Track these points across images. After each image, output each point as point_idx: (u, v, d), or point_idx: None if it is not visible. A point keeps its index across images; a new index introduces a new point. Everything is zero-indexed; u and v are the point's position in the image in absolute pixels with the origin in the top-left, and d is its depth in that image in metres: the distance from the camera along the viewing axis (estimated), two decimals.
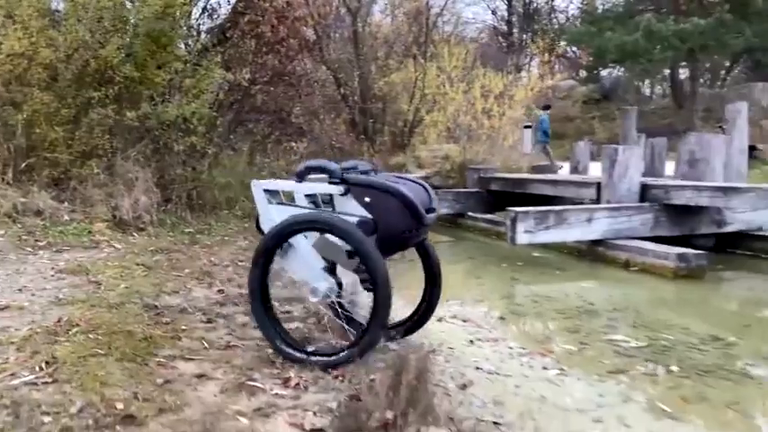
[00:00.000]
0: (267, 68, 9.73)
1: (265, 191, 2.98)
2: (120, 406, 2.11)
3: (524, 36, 33.10)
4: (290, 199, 2.97)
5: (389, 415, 2.22)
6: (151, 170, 6.55)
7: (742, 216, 6.88)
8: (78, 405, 2.08)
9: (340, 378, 2.67)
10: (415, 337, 3.24)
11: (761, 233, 6.98)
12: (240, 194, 7.81)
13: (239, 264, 5.10)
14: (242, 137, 9.82)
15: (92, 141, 6.19)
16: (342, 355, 2.70)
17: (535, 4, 34.00)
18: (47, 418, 1.97)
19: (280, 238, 2.79)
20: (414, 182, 2.93)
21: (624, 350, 3.51)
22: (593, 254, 6.43)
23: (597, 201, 7.05)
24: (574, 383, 2.93)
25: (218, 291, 4.07)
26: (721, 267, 6.36)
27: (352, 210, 2.73)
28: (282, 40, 9.62)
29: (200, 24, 9.43)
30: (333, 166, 2.87)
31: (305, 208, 2.87)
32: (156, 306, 3.46)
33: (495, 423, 2.41)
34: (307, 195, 2.89)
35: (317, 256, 2.83)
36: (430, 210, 2.82)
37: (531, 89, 17.26)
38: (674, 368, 3.22)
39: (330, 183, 2.81)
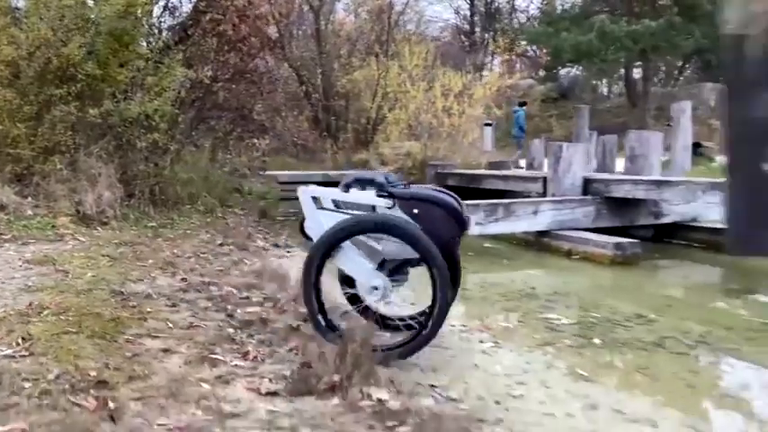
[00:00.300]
0: (229, 66, 9.90)
1: (313, 198, 3.17)
2: (93, 373, 2.36)
3: (486, 35, 33.70)
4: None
5: (336, 378, 2.52)
6: (114, 166, 6.69)
7: (677, 208, 7.39)
8: (55, 373, 2.31)
9: (294, 352, 2.95)
10: None
11: (695, 224, 7.51)
12: (202, 190, 7.99)
13: (201, 255, 5.31)
14: (204, 133, 9.97)
15: (54, 138, 6.31)
16: (399, 350, 2.91)
17: (497, 4, 34.63)
18: (27, 384, 2.21)
19: (338, 240, 2.95)
20: (446, 193, 3.18)
21: (555, 326, 3.88)
22: (539, 244, 6.84)
23: (544, 194, 7.47)
24: (505, 354, 3.26)
25: (182, 279, 4.29)
26: (658, 256, 6.85)
27: (401, 221, 2.94)
28: (244, 38, 9.80)
29: (161, 22, 9.55)
30: (380, 179, 3.11)
31: (352, 214, 3.05)
32: (122, 292, 3.67)
33: (431, 386, 2.72)
34: (332, 201, 3.10)
35: (365, 256, 3.03)
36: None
37: (490, 88, 17.73)
38: (597, 341, 3.60)
39: (378, 195, 3.04)
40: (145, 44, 8.31)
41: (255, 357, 2.86)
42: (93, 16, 6.86)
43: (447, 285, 2.86)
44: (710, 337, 3.70)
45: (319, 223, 3.10)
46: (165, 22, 9.66)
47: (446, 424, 2.19)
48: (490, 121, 18.53)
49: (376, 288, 3.00)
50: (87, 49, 6.55)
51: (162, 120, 7.09)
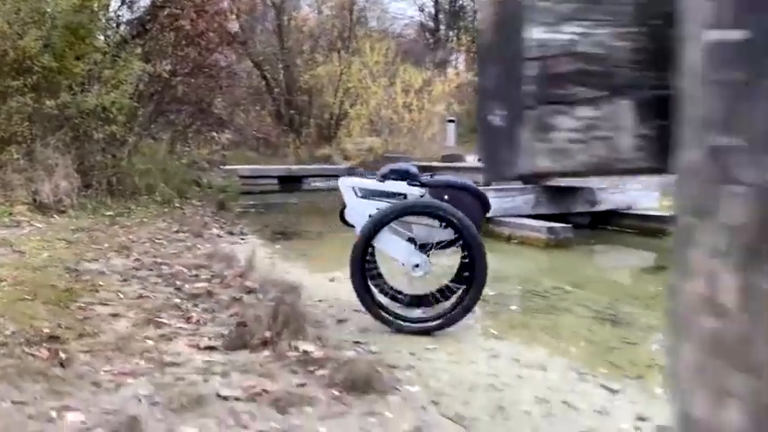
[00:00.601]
0: (188, 61, 10.07)
1: (352, 188, 3.54)
2: (46, 331, 2.63)
3: (450, 33, 34.18)
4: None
5: (268, 334, 2.84)
6: (71, 157, 6.86)
7: (613, 197, 7.89)
8: (11, 330, 2.58)
9: (234, 317, 3.26)
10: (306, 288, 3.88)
11: (629, 211, 8.02)
12: (160, 181, 8.18)
13: (156, 241, 5.55)
14: (163, 127, 10.12)
15: (11, 128, 6.46)
16: (437, 321, 3.27)
17: (461, 2, 35.14)
18: None
19: (386, 222, 3.28)
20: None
21: (481, 297, 4.25)
22: (482, 230, 7.23)
23: (489, 184, 7.88)
24: None
25: (135, 260, 4.55)
26: (593, 241, 7.31)
27: (438, 204, 3.30)
28: (202, 33, 9.98)
29: (119, 17, 9.67)
30: (413, 169, 3.53)
31: (392, 201, 3.42)
32: (76, 270, 3.93)
33: (355, 342, 3.07)
34: (370, 190, 3.50)
35: (403, 238, 3.39)
36: None
37: (449, 85, 18.16)
38: (514, 307, 4.00)
39: (410, 184, 3.41)
40: (102, 38, 8.46)
41: (198, 321, 3.17)
42: (49, 10, 7.01)
43: (484, 260, 3.23)
44: (616, 304, 4.12)
45: (359, 211, 3.48)
46: (122, 16, 9.79)
47: (359, 366, 2.53)
48: (453, 118, 18.94)
49: (417, 265, 3.39)
50: (44, 42, 6.70)
51: (120, 112, 7.27)
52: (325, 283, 4.42)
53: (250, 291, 3.82)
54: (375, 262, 3.64)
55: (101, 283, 3.64)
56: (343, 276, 4.76)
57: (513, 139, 0.97)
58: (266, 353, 2.74)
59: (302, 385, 2.41)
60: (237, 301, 3.57)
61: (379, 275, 3.63)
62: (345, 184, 3.59)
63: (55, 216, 6.06)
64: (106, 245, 4.98)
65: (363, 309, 3.33)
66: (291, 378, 2.47)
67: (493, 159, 1.01)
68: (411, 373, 2.69)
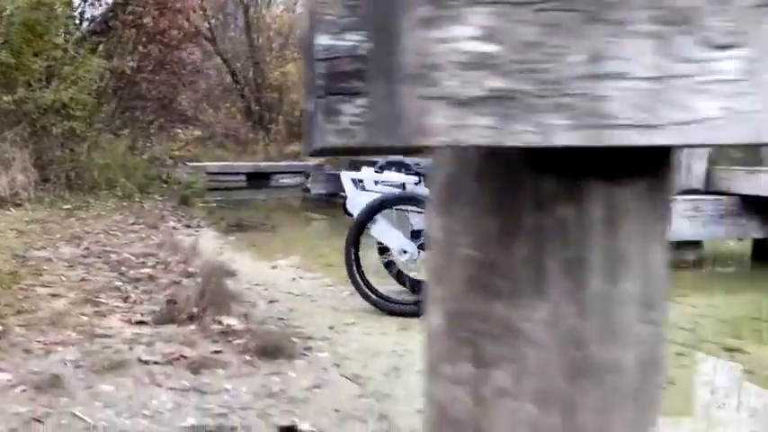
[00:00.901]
0: (151, 57, 10.21)
1: (353, 180, 3.82)
2: None
3: None
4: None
5: (195, 310, 3.10)
6: (29, 151, 7.01)
7: None
8: None
9: (168, 297, 3.50)
10: (246, 273, 4.14)
11: None
12: (120, 176, 8.33)
13: (110, 232, 5.74)
14: (126, 122, 10.25)
15: None
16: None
17: None
18: None
19: (373, 212, 3.56)
20: None
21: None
22: None
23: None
24: (358, 300, 3.88)
25: (85, 248, 4.76)
26: None
27: (425, 194, 3.57)
28: (164, 30, 10.13)
29: (82, 14, 9.77)
30: (408, 160, 3.82)
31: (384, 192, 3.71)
32: (23, 256, 4.13)
33: (279, 318, 3.33)
34: (370, 181, 3.80)
35: (396, 227, 3.67)
36: None
37: None
38: None
39: (407, 174, 3.72)
40: (62, 35, 8.56)
41: (135, 301, 3.40)
42: (8, 7, 7.13)
43: None
44: None
45: (359, 202, 3.75)
46: (85, 13, 9.89)
47: (274, 336, 2.80)
48: None
49: (405, 252, 3.69)
50: (1, 38, 6.83)
51: (81, 108, 7.41)
52: (266, 270, 4.68)
53: (190, 275, 4.05)
54: (394, 263, 3.94)
55: (45, 268, 3.85)
56: (285, 264, 5.08)
57: (314, 122, 1.31)
58: (192, 326, 2.99)
59: (218, 352, 2.67)
60: (177, 284, 3.81)
61: (400, 272, 3.93)
62: (346, 177, 3.91)
63: (11, 209, 6.21)
64: (58, 235, 5.16)
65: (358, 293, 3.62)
66: (210, 346, 2.73)
67: (305, 137, 1.33)
68: (324, 343, 2.96)
